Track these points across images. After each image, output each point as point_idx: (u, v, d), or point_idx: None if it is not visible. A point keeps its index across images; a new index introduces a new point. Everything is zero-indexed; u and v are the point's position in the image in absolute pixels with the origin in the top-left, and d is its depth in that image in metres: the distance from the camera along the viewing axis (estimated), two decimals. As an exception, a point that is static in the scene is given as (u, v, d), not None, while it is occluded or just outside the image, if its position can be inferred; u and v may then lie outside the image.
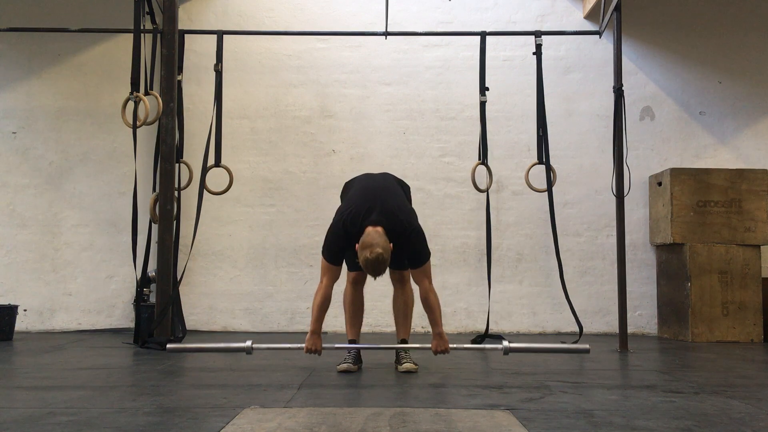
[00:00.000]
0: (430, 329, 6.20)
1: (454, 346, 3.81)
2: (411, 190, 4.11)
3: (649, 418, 2.56)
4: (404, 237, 3.61)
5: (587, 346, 3.99)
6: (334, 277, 3.70)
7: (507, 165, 6.32)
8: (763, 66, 6.54)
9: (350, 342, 3.92)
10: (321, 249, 3.72)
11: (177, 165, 5.39)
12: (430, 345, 3.75)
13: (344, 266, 3.88)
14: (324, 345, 3.74)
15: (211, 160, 5.47)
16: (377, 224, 3.52)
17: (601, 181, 6.17)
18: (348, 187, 4.00)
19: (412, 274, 3.77)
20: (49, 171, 6.37)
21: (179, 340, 4.98)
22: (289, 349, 4.03)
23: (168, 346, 4.10)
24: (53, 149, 6.38)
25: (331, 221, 3.78)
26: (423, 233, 3.71)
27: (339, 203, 4.03)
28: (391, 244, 3.50)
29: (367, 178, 3.98)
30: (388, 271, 3.94)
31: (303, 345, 3.71)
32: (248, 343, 3.80)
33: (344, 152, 6.35)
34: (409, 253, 3.68)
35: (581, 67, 6.48)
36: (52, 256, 6.30)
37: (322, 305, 3.66)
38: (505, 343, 3.81)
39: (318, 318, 3.68)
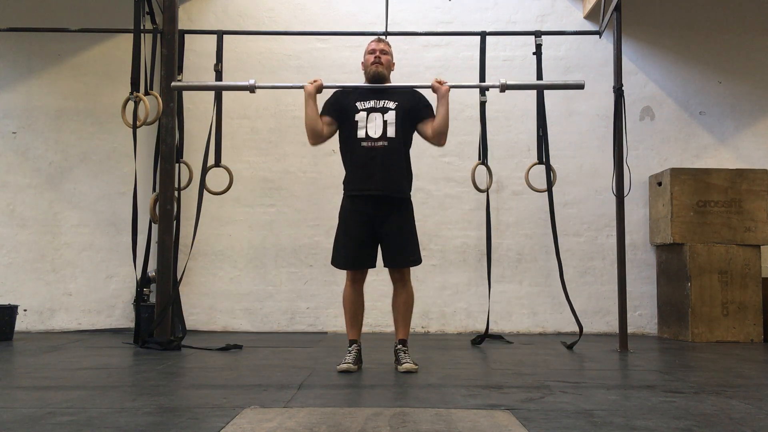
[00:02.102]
0: (430, 330, 6.26)
1: (453, 84, 4.01)
2: (411, 189, 4.10)
3: (649, 418, 2.56)
4: (408, 86, 4.07)
5: (582, 81, 4.23)
6: (328, 122, 3.96)
7: (507, 165, 6.32)
8: (763, 66, 6.54)
9: (351, 342, 3.91)
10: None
11: (177, 165, 5.39)
12: (429, 84, 3.97)
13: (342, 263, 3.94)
14: (326, 84, 4.01)
15: (211, 160, 5.46)
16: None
17: (601, 181, 6.17)
18: None
19: (423, 125, 3.95)
20: (49, 171, 6.37)
21: (181, 338, 4.97)
22: (292, 87, 4.30)
23: (172, 84, 4.59)
24: (53, 149, 6.38)
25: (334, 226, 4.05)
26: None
27: (339, 203, 4.04)
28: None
29: None
30: (388, 271, 3.96)
31: (305, 84, 3.98)
32: (251, 81, 4.08)
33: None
34: (416, 103, 3.96)
35: (581, 67, 6.48)
36: (52, 256, 6.30)
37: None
38: (502, 80, 4.05)
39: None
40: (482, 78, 5.45)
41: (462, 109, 6.30)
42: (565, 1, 6.56)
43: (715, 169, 6.01)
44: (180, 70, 5.46)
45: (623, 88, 5.20)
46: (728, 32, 6.54)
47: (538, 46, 5.45)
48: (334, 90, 4.11)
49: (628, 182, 5.13)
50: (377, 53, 3.95)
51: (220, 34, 5.59)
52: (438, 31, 6.36)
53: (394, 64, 4.06)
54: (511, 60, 6.46)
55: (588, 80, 6.37)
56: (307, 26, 6.40)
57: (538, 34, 5.49)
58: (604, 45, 6.26)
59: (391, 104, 3.88)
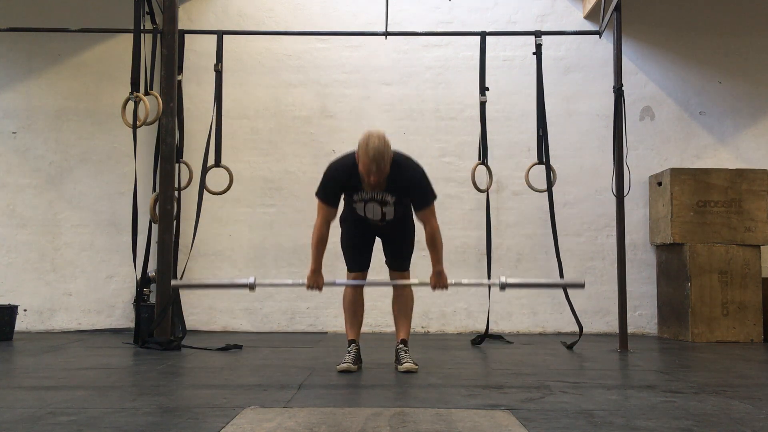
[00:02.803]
0: (430, 330, 6.26)
1: (453, 282, 3.80)
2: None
3: (649, 418, 2.56)
4: (406, 166, 3.68)
5: (582, 281, 4.09)
6: (329, 216, 3.73)
7: (507, 165, 6.32)
8: (763, 66, 6.54)
9: (350, 342, 3.91)
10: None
11: (177, 165, 5.39)
12: (428, 281, 3.75)
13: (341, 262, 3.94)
14: (326, 281, 3.76)
15: (211, 160, 5.47)
16: None
17: (601, 181, 6.17)
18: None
19: (420, 216, 3.77)
20: (49, 171, 6.37)
21: (181, 338, 4.97)
22: (293, 285, 4.07)
23: (172, 284, 4.32)
24: (53, 149, 6.38)
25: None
26: (425, 173, 3.76)
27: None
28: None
29: None
30: (389, 271, 3.98)
31: (305, 282, 3.73)
32: (251, 279, 3.74)
33: (344, 152, 6.34)
34: (413, 188, 3.70)
35: (581, 67, 6.48)
36: (52, 256, 6.30)
37: (319, 244, 3.70)
38: (502, 279, 3.77)
39: (316, 257, 3.72)
40: (482, 78, 5.46)
41: (462, 109, 6.30)
42: (565, 1, 6.55)
43: (715, 169, 6.01)
44: (180, 70, 5.46)
45: (623, 88, 5.20)
46: (728, 32, 6.54)
47: (538, 46, 5.45)
48: (329, 171, 3.79)
49: (628, 182, 5.13)
50: (372, 178, 3.52)
51: (220, 34, 5.59)
52: (438, 31, 6.36)
53: (391, 158, 3.57)
54: (511, 60, 6.46)
55: (588, 80, 6.45)
56: (307, 26, 6.40)
57: (538, 34, 5.49)
58: (604, 45, 6.26)
59: (390, 197, 3.72)
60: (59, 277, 6.28)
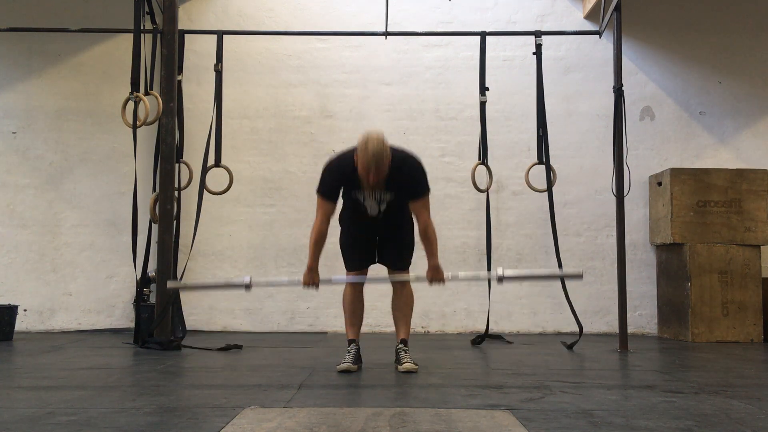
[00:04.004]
0: (430, 330, 6.26)
1: (449, 275, 3.80)
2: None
3: (649, 418, 2.56)
4: (404, 164, 3.68)
5: (581, 271, 4.09)
6: (329, 212, 3.73)
7: (507, 165, 6.32)
8: (763, 66, 6.54)
9: (350, 342, 3.91)
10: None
11: (177, 165, 5.39)
12: (425, 275, 3.75)
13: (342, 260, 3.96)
14: (322, 279, 3.74)
15: (211, 160, 5.47)
16: None
17: (601, 181, 6.16)
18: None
19: (412, 207, 3.78)
20: (49, 171, 6.37)
21: (181, 338, 4.97)
22: (289, 284, 4.01)
23: (168, 286, 4.32)
24: (53, 149, 6.38)
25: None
26: (423, 166, 3.77)
27: (339, 203, 4.05)
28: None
29: None
30: (387, 271, 3.97)
31: (300, 280, 3.73)
32: (247, 279, 3.72)
33: (342, 150, 6.34)
34: (408, 182, 3.70)
35: (581, 67, 6.48)
36: (52, 256, 6.30)
37: (317, 242, 3.71)
38: (499, 271, 3.73)
39: (314, 254, 3.72)
40: (482, 78, 5.46)
41: (462, 109, 6.30)
42: (565, 1, 6.55)
43: (715, 169, 6.01)
44: (180, 70, 5.45)
45: (623, 88, 5.20)
46: (728, 32, 6.54)
47: (538, 46, 5.45)
48: (329, 168, 3.80)
49: (628, 182, 5.13)
50: (371, 178, 3.55)
51: (220, 34, 5.59)
52: (438, 31, 6.36)
53: (390, 158, 3.57)
54: (511, 60, 6.46)
55: (588, 80, 6.45)
56: (307, 26, 6.40)
57: (538, 34, 5.49)
58: (604, 45, 6.26)
59: (388, 195, 3.75)
60: (59, 277, 6.28)
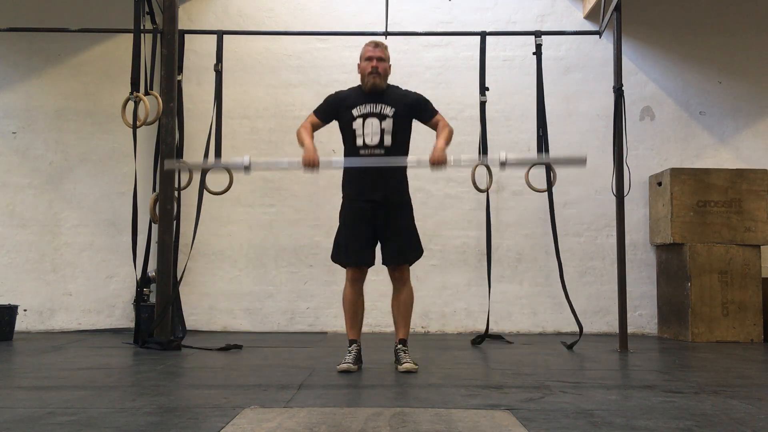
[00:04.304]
0: (430, 330, 6.26)
1: (452, 159, 3.79)
2: (410, 188, 4.08)
3: (649, 418, 2.56)
4: (404, 89, 3.99)
5: (584, 156, 4.15)
6: (315, 124, 3.95)
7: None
8: (763, 66, 6.54)
9: (351, 342, 3.91)
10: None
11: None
12: (427, 158, 3.75)
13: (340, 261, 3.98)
14: (322, 160, 3.75)
15: (211, 160, 5.46)
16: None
17: (601, 181, 6.16)
18: None
19: (431, 124, 3.97)
20: (49, 171, 6.37)
21: (181, 338, 4.96)
22: (288, 167, 4.14)
23: (165, 167, 4.57)
24: (53, 149, 6.38)
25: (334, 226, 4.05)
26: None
27: (339, 203, 4.05)
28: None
29: None
30: (387, 270, 3.96)
31: (300, 162, 3.76)
32: (246, 160, 3.78)
33: (344, 152, 6.35)
34: (419, 104, 3.94)
35: (581, 67, 6.48)
36: (52, 256, 6.30)
37: (306, 129, 3.89)
38: (502, 155, 3.79)
39: (308, 136, 3.84)
40: (482, 78, 5.46)
41: (462, 109, 6.29)
42: (565, 1, 6.55)
43: (715, 169, 6.01)
44: (180, 70, 5.45)
45: (623, 88, 5.20)
46: (728, 32, 6.54)
47: (538, 46, 5.45)
48: (332, 93, 4.07)
49: (628, 182, 5.13)
50: (374, 61, 3.86)
51: (220, 34, 5.59)
52: (438, 31, 6.36)
53: (391, 66, 3.97)
54: (511, 60, 6.46)
55: (588, 80, 6.45)
56: (307, 26, 6.40)
57: (538, 34, 5.49)
58: (604, 45, 6.26)
59: (389, 110, 3.85)
60: (59, 277, 6.28)
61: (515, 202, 6.33)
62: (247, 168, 3.81)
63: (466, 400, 2.93)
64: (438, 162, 3.71)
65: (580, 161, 4.13)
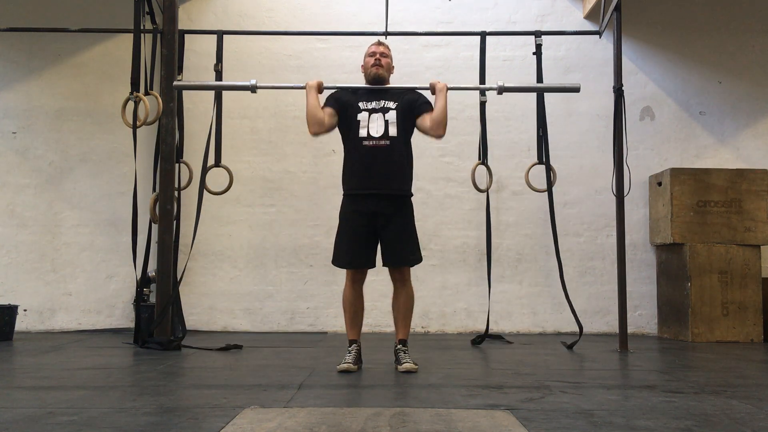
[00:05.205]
0: (430, 330, 6.26)
1: (451, 86, 4.02)
2: (412, 188, 4.09)
3: (649, 418, 2.56)
4: (406, 88, 4.12)
5: (578, 84, 4.40)
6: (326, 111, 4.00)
7: (507, 165, 6.32)
8: (763, 66, 6.54)
9: (351, 342, 3.91)
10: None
11: (177, 165, 5.39)
12: (428, 86, 4.02)
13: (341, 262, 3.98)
14: (327, 85, 4.04)
15: (211, 160, 5.46)
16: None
17: (601, 181, 6.17)
18: None
19: (427, 112, 3.99)
20: (49, 171, 6.37)
21: (181, 338, 4.96)
22: (294, 87, 4.35)
23: (174, 83, 4.84)
24: (53, 149, 6.38)
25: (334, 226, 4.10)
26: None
27: (339, 203, 4.05)
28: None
29: None
30: (387, 270, 3.96)
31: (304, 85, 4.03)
32: (253, 81, 4.18)
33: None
34: (418, 101, 4.01)
35: (581, 67, 6.48)
36: (52, 256, 6.30)
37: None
38: (500, 83, 4.16)
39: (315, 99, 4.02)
40: (482, 78, 5.45)
41: (462, 109, 6.29)
42: (565, 1, 6.55)
43: (715, 169, 6.01)
44: (180, 70, 5.46)
45: (623, 88, 5.20)
46: (728, 32, 6.54)
47: (538, 46, 5.44)
48: (335, 89, 4.18)
49: (628, 182, 5.13)
50: (377, 56, 4.01)
51: (220, 34, 5.59)
52: (438, 31, 6.36)
53: (393, 67, 4.12)
54: (511, 60, 6.46)
55: (588, 80, 6.43)
56: (307, 26, 6.40)
57: (538, 34, 5.49)
58: (604, 45, 6.26)
59: (392, 104, 3.93)
60: (59, 277, 6.28)
61: (515, 202, 6.33)
62: (253, 90, 4.18)
63: (466, 400, 2.93)
64: (438, 86, 3.94)
65: (574, 89, 4.37)
